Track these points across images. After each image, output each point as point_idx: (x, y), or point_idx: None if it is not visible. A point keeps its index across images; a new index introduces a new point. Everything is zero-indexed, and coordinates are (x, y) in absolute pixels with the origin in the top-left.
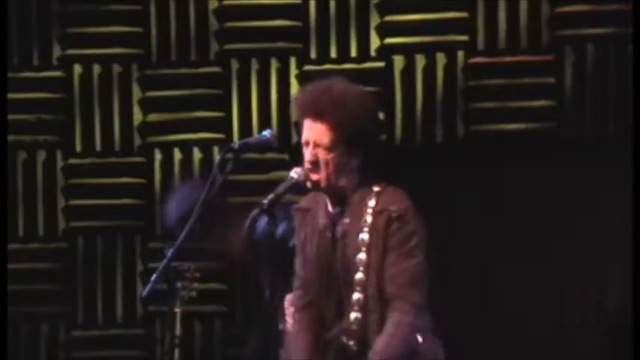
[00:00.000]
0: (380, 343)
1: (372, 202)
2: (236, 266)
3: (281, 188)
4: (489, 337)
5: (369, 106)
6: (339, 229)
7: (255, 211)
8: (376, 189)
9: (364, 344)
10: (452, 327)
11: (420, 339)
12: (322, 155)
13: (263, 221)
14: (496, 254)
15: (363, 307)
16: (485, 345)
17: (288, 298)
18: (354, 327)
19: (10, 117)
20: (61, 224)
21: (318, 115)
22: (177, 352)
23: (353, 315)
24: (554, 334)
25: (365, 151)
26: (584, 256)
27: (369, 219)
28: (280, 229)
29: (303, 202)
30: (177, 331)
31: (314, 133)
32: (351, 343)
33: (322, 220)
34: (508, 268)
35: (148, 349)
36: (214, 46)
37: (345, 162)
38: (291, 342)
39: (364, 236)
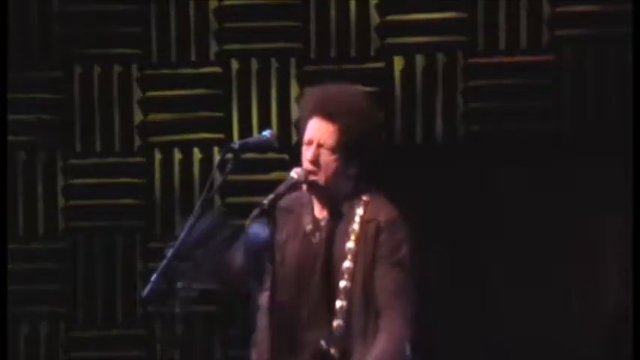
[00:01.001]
0: (373, 358)
1: (360, 211)
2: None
3: (281, 188)
4: (489, 337)
5: (377, 116)
6: (325, 235)
7: (256, 212)
8: (365, 198)
9: (346, 352)
10: (452, 327)
11: (408, 350)
12: (324, 156)
13: (256, 227)
14: (496, 254)
15: (346, 314)
16: (485, 345)
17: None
18: (337, 334)
19: (10, 117)
20: (61, 224)
21: (328, 116)
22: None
23: (336, 322)
24: (554, 334)
25: (364, 160)
26: (584, 256)
27: (356, 227)
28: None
29: (286, 201)
30: (178, 330)
31: (320, 133)
32: (333, 351)
33: (308, 225)
34: (508, 268)
35: (148, 349)
36: (214, 46)
37: (344, 167)
38: (260, 343)
39: (350, 244)
